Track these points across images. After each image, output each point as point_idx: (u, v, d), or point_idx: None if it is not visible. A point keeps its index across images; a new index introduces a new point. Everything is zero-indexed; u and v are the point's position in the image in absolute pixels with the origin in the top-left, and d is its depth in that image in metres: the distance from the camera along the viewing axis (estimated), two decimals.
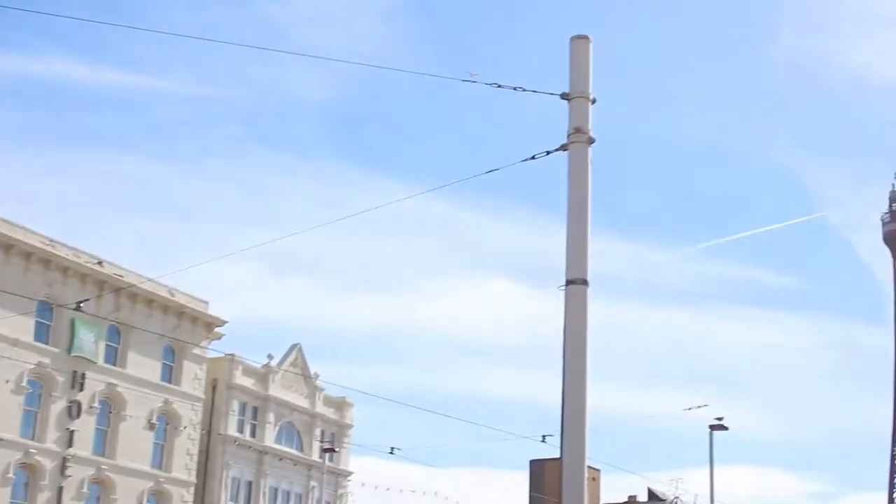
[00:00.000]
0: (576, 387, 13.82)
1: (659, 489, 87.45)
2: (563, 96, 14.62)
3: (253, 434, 70.38)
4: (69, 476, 58.09)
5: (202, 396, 66.50)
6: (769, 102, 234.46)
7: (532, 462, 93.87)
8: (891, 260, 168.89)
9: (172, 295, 64.24)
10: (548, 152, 14.79)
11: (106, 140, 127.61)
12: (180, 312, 65.13)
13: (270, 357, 72.40)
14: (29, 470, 56.63)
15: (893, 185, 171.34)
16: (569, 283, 14.08)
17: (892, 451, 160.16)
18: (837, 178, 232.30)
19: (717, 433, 45.77)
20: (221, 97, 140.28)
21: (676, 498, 76.44)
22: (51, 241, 58.20)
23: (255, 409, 70.85)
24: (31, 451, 56.43)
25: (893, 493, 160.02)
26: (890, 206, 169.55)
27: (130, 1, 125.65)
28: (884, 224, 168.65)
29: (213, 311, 67.48)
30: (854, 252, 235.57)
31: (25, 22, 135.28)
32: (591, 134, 14.50)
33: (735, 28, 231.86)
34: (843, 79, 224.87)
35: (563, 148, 14.53)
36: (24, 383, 56.23)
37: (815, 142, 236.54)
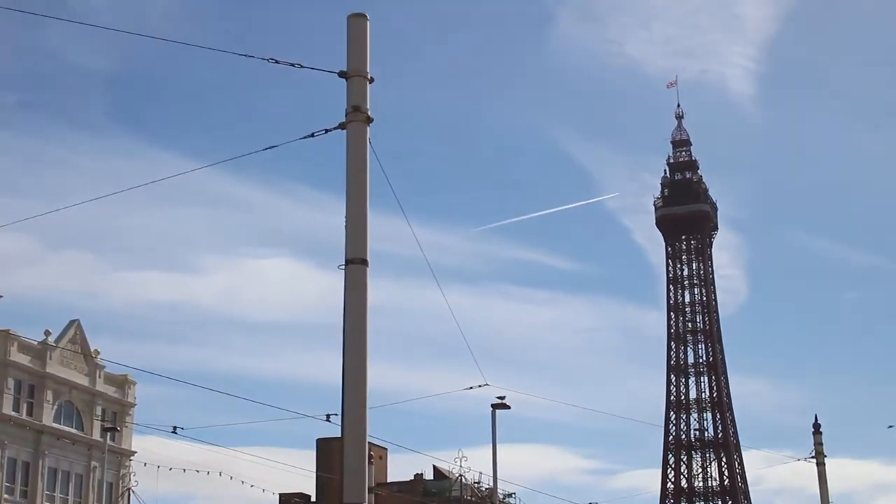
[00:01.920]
0: (356, 365, 13.83)
1: (444, 467, 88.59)
2: (342, 74, 14.59)
3: (30, 413, 68.00)
4: None
5: None
6: (550, 88, 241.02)
7: (318, 441, 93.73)
8: (663, 244, 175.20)
9: None
10: (326, 130, 14.82)
11: None
12: None
13: (48, 333, 70.04)
14: None
15: (665, 171, 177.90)
16: (348, 262, 14.14)
17: (666, 428, 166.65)
18: (615, 164, 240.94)
19: (499, 412, 46.48)
20: None
21: (461, 476, 77.50)
22: None
23: (32, 388, 68.46)
24: None
25: (667, 469, 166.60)
26: (662, 191, 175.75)
27: None
28: (656, 209, 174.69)
29: None
30: (630, 236, 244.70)
31: None
32: (370, 113, 14.49)
33: (514, 10, 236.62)
34: (619, 68, 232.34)
35: (342, 126, 14.54)
36: None
37: (594, 128, 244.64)
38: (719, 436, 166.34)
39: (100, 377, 73.59)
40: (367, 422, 13.85)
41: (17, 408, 67.14)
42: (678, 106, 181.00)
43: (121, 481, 74.39)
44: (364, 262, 14.16)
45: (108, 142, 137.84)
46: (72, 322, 72.70)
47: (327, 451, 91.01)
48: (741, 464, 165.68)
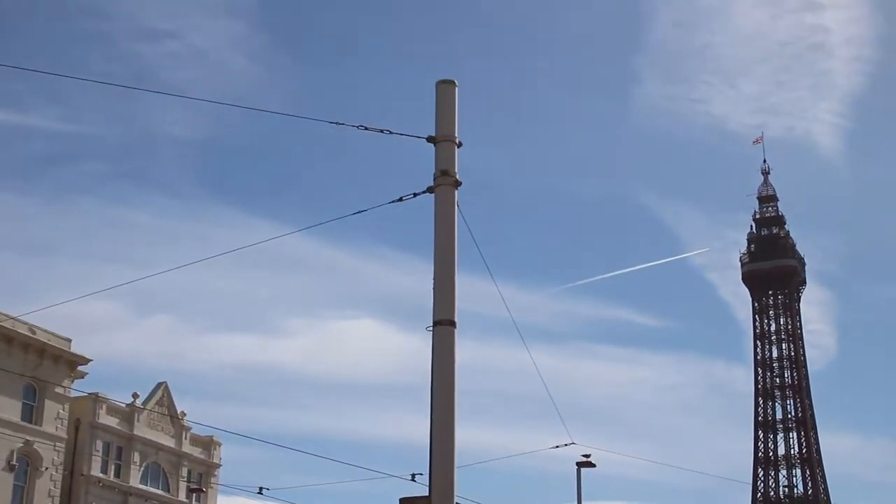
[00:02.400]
0: (444, 425, 13.89)
1: None
2: (430, 139, 14.74)
3: (117, 475, 68.75)
4: None
5: (64, 436, 64.80)
6: (633, 146, 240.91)
7: (401, 500, 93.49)
8: (749, 299, 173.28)
9: (34, 333, 62.63)
10: (415, 194, 14.90)
11: None
12: (41, 350, 63.47)
13: (136, 396, 70.94)
14: None
15: (751, 226, 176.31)
16: (436, 323, 14.14)
17: (754, 485, 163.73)
18: (699, 220, 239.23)
19: (584, 470, 46.07)
20: (89, 134, 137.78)
21: None
22: None
23: (120, 449, 69.29)
24: None
25: None
26: (748, 247, 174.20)
27: None
28: (742, 265, 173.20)
29: (77, 349, 65.96)
30: (716, 292, 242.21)
31: None
32: (458, 177, 14.62)
33: (599, 73, 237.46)
34: (703, 126, 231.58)
35: (430, 190, 14.67)
36: None
37: (678, 186, 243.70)
38: (809, 493, 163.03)
39: (186, 438, 74.29)
40: (454, 481, 13.86)
41: (105, 469, 67.91)
42: (764, 161, 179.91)
43: None
44: (452, 324, 14.21)
45: (197, 208, 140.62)
46: (159, 384, 73.56)
47: None
48: None
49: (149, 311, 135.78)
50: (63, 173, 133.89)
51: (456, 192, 14.67)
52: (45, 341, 63.56)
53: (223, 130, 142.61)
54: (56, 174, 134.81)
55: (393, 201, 15.41)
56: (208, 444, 76.48)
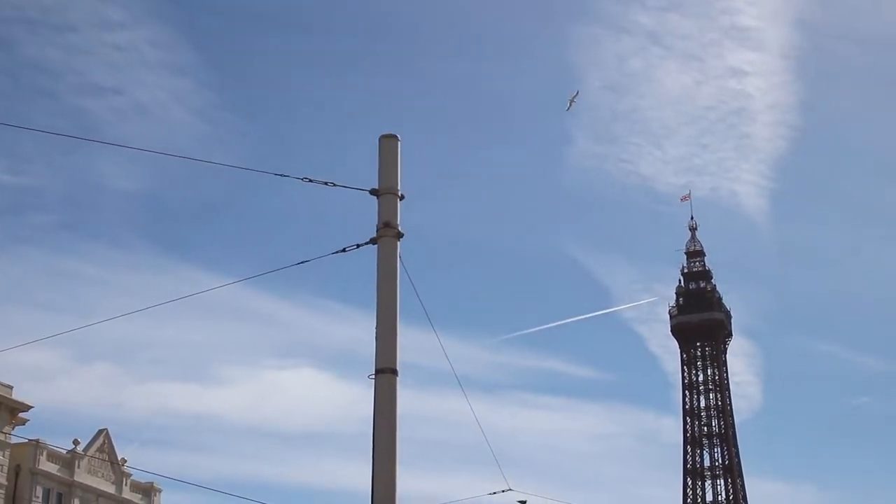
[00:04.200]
0: (385, 472, 14.02)
1: None
2: (373, 192, 15.07)
3: None
4: None
5: (4, 482, 64.63)
6: (567, 203, 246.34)
7: None
8: (678, 351, 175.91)
9: None
10: (357, 245, 15.13)
11: None
12: None
13: (76, 442, 70.85)
14: None
15: (679, 281, 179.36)
16: (378, 371, 14.32)
17: None
18: (630, 275, 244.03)
19: None
20: (33, 186, 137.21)
21: None
22: None
23: (60, 496, 69.06)
24: None
25: None
26: (677, 300, 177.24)
27: None
28: (671, 317, 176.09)
29: (18, 395, 65.96)
30: (645, 344, 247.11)
31: None
32: (400, 228, 14.92)
33: (534, 132, 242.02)
34: (633, 186, 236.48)
35: (373, 241, 14.92)
36: None
37: (609, 241, 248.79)
38: None
39: (126, 485, 74.19)
40: None
41: None
42: (692, 218, 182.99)
43: None
44: (394, 372, 14.33)
45: (139, 259, 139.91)
46: (100, 431, 73.50)
47: None
48: None
49: (90, 359, 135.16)
50: (8, 224, 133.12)
51: (398, 243, 14.90)
52: None
53: (166, 183, 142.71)
54: (1, 225, 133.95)
55: (336, 252, 15.55)
56: (148, 490, 76.37)
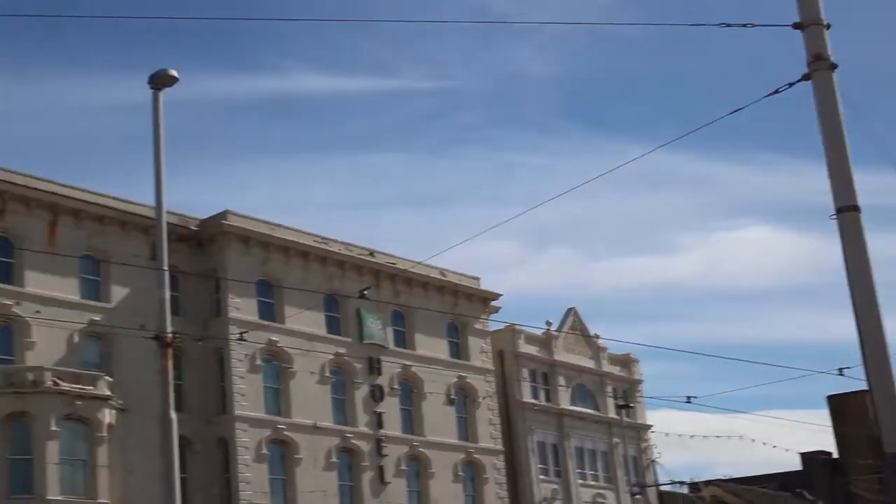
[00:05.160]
0: (869, 311, 13.56)
1: None
2: (796, 26, 14.33)
3: (548, 399, 72.36)
4: (385, 455, 61.29)
5: (492, 368, 68.95)
6: None
7: (830, 398, 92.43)
8: None
9: (444, 275, 67.05)
10: (790, 84, 14.46)
11: (358, 142, 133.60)
12: (455, 291, 67.88)
13: (549, 323, 74.42)
14: (349, 453, 60.07)
15: None
16: (839, 211, 13.89)
17: None
18: None
19: None
20: (456, 88, 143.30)
21: None
22: (323, 238, 61.87)
23: (545, 375, 72.86)
24: (347, 435, 59.87)
25: None
26: None
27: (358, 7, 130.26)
28: None
29: (486, 286, 70.02)
30: None
31: (268, 46, 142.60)
32: (832, 59, 14.16)
33: None
34: None
35: (805, 77, 14.21)
36: (327, 373, 59.82)
37: None
38: None
39: (604, 359, 77.04)
40: (893, 369, 13.40)
41: (535, 395, 71.64)
42: None
43: (643, 454, 77.09)
44: (856, 209, 13.85)
45: (566, 141, 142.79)
46: (569, 310, 76.72)
47: (840, 407, 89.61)
48: None
49: (545, 245, 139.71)
50: (441, 127, 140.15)
51: (833, 75, 14.15)
52: (457, 282, 67.93)
53: (578, 62, 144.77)
54: (435, 130, 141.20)
55: (769, 94, 14.98)
56: (626, 361, 78.94)
